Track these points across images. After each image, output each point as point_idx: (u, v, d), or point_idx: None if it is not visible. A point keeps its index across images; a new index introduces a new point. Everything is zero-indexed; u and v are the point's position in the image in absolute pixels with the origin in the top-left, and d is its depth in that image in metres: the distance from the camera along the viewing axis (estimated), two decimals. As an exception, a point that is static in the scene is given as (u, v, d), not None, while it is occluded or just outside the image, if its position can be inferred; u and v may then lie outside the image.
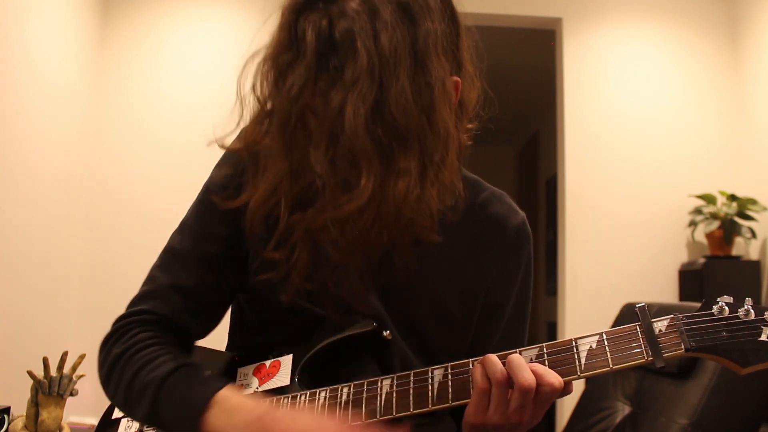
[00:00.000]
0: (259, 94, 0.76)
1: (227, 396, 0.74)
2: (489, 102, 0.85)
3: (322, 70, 0.70)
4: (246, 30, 3.29)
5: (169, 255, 0.91)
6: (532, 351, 0.76)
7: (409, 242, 0.78)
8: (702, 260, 2.93)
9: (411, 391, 0.78)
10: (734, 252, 3.00)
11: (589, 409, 2.18)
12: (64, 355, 1.80)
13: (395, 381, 0.79)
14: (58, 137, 2.82)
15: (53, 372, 1.77)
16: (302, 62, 0.70)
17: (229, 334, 1.02)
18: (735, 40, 3.33)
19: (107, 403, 1.03)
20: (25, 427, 1.74)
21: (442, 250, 0.84)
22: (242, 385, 0.90)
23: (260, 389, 0.88)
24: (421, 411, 0.77)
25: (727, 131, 3.28)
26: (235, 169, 0.86)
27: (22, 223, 2.52)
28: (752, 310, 0.73)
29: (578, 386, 2.52)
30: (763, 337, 0.72)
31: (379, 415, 0.78)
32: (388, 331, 0.84)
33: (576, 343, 0.76)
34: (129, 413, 0.86)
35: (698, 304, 0.77)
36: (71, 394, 1.79)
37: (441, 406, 0.77)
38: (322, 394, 0.82)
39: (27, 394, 1.76)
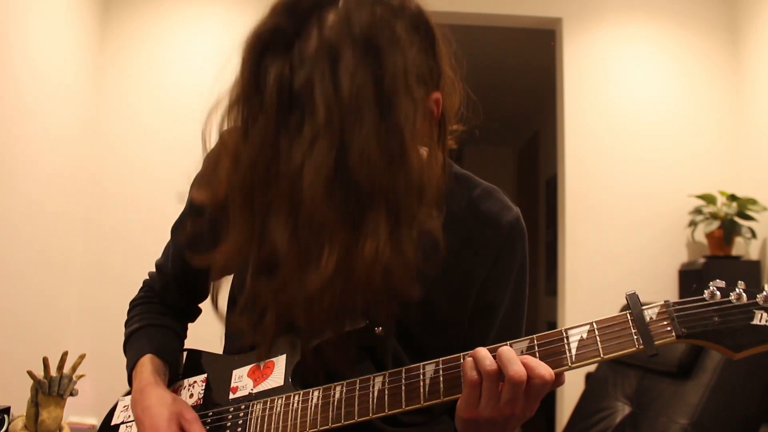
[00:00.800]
0: (225, 141, 0.73)
1: (143, 362, 0.95)
2: (474, 104, 0.83)
3: (284, 125, 0.65)
4: (245, 30, 3.28)
5: (171, 235, 1.05)
6: (523, 343, 0.75)
7: (387, 299, 0.75)
8: (702, 260, 2.93)
9: (403, 388, 0.78)
10: (734, 252, 3.00)
11: (589, 409, 2.18)
12: (64, 355, 1.79)
13: (387, 378, 0.79)
14: (58, 137, 2.82)
15: (53, 372, 1.77)
16: (264, 117, 0.66)
17: (226, 336, 1.02)
18: (735, 40, 3.32)
19: (107, 403, 1.03)
20: (25, 427, 1.74)
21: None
22: (237, 386, 0.91)
23: (255, 390, 0.88)
24: (414, 407, 0.77)
25: (727, 131, 3.28)
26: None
27: (22, 223, 2.52)
28: (744, 294, 0.71)
29: (578, 386, 2.53)
30: (755, 321, 0.70)
31: (371, 412, 0.78)
32: (380, 328, 0.84)
33: (566, 333, 0.75)
34: None
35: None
36: (71, 394, 1.78)
37: (433, 401, 0.76)
38: (315, 393, 0.82)
39: (27, 394, 1.76)
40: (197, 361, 0.99)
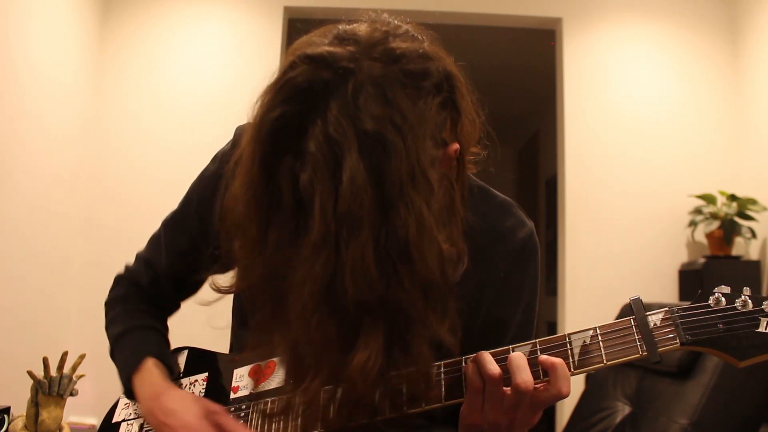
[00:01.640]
0: (238, 141, 0.70)
1: (148, 367, 0.91)
2: (487, 107, 0.79)
3: (294, 232, 0.62)
4: (245, 29, 3.29)
5: (161, 230, 1.02)
6: (526, 348, 0.75)
7: (403, 403, 0.73)
8: (702, 260, 2.93)
9: (404, 391, 0.77)
10: (734, 252, 3.00)
11: (589, 409, 2.18)
12: (64, 355, 1.80)
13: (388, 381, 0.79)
14: (58, 137, 2.82)
15: (53, 372, 1.77)
16: (280, 222, 0.63)
17: (231, 329, 1.02)
18: (735, 40, 3.32)
19: (107, 403, 1.03)
20: (25, 427, 1.74)
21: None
22: (238, 386, 0.90)
23: (256, 390, 0.88)
24: (415, 411, 0.76)
25: (727, 131, 3.28)
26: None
27: (22, 223, 2.52)
28: (750, 301, 0.70)
29: (578, 386, 2.52)
30: (761, 329, 0.69)
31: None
32: None
33: (569, 338, 0.74)
34: None
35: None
36: (71, 394, 1.79)
37: (434, 405, 0.76)
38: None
39: (27, 394, 1.76)
40: (198, 360, 0.99)
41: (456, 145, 0.71)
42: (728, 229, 2.93)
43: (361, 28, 0.66)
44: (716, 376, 1.82)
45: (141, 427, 0.95)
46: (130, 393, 0.93)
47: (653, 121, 3.27)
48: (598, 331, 0.73)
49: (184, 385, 0.97)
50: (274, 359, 0.89)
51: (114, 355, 0.98)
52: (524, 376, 0.70)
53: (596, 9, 3.37)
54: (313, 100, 0.62)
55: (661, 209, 3.20)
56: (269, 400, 0.85)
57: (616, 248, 3.18)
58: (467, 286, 0.86)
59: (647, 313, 0.73)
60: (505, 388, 0.71)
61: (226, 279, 0.75)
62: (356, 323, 0.62)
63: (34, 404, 1.73)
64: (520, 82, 4.83)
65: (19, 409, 1.81)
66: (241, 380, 0.91)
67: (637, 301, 0.74)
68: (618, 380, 2.16)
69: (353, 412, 0.69)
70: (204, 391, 0.94)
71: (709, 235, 3.01)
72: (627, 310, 2.22)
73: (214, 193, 0.86)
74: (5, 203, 2.39)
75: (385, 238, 0.61)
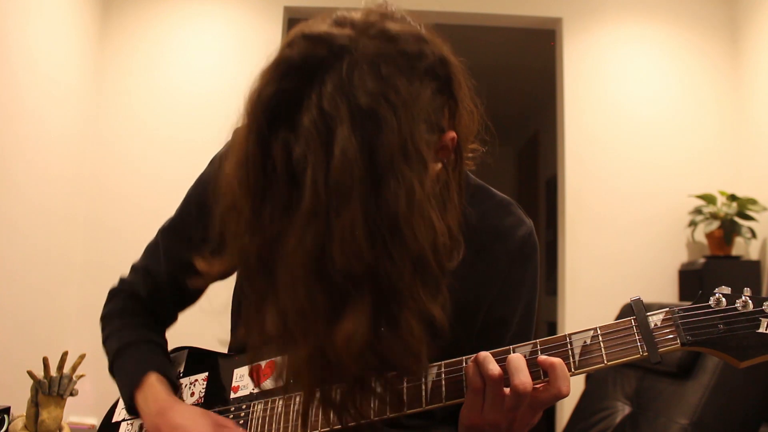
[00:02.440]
0: (235, 140, 0.71)
1: (151, 382, 0.89)
2: (488, 126, 0.80)
3: (287, 204, 0.63)
4: (245, 29, 3.29)
5: (158, 238, 1.01)
6: (526, 348, 0.75)
7: (388, 378, 0.73)
8: (702, 260, 2.93)
9: (404, 391, 0.77)
10: (734, 252, 3.00)
11: (589, 409, 2.18)
12: (64, 355, 1.80)
13: (388, 380, 0.78)
14: (58, 137, 2.82)
15: (53, 372, 1.77)
16: (274, 193, 0.64)
17: (231, 329, 1.02)
18: (735, 40, 3.32)
19: (107, 403, 1.03)
20: (25, 427, 1.74)
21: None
22: (238, 386, 0.90)
23: (256, 390, 0.88)
24: (415, 411, 0.76)
25: (727, 131, 3.28)
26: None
27: (22, 223, 2.52)
28: (750, 302, 0.70)
29: (578, 386, 2.52)
30: (761, 329, 0.69)
31: (373, 415, 0.77)
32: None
33: (570, 339, 0.74)
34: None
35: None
36: (71, 394, 1.79)
37: (435, 405, 0.76)
38: (317, 394, 0.82)
39: (27, 394, 1.76)
40: (199, 360, 0.99)
41: (453, 134, 0.71)
42: (728, 229, 2.93)
43: (359, 13, 0.68)
44: (716, 376, 1.82)
45: (141, 426, 0.95)
46: (133, 409, 0.91)
47: (653, 121, 3.27)
48: (599, 332, 0.73)
49: (184, 385, 0.97)
50: (275, 359, 0.89)
51: (113, 371, 0.96)
52: (522, 377, 0.69)
53: (596, 9, 3.37)
54: (309, 76, 0.63)
55: (661, 209, 3.20)
56: (269, 400, 0.86)
57: (616, 248, 3.18)
58: (467, 285, 0.86)
59: (648, 313, 0.73)
60: (505, 388, 0.71)
61: (219, 263, 0.74)
62: (344, 294, 0.63)
63: (34, 404, 1.73)
64: (520, 82, 4.83)
65: (19, 409, 1.81)
66: (242, 380, 0.91)
67: (638, 301, 0.74)
68: (618, 380, 2.16)
69: (339, 380, 0.69)
70: (204, 390, 0.94)
71: (709, 235, 3.01)
72: (627, 311, 2.22)
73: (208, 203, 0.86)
74: (5, 203, 2.39)
75: (375, 210, 0.61)
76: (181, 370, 0.99)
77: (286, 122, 0.63)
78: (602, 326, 0.74)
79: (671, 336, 0.71)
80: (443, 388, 0.76)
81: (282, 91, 0.64)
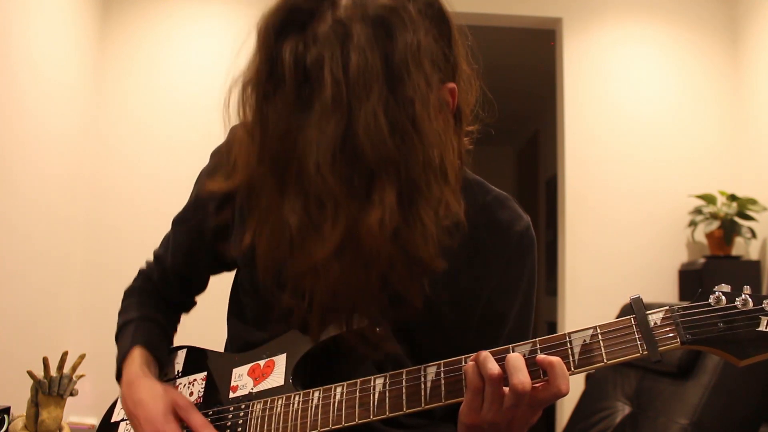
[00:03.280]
0: (244, 121, 0.73)
1: (134, 355, 0.95)
2: (489, 104, 0.82)
3: (298, 102, 0.67)
4: (246, 29, 3.28)
5: (171, 227, 1.05)
6: (525, 347, 0.74)
7: (409, 274, 0.73)
8: (702, 260, 2.93)
9: (404, 390, 0.77)
10: (734, 252, 3.00)
11: (589, 409, 2.18)
12: (64, 355, 1.80)
13: (388, 380, 0.78)
14: (58, 137, 2.82)
15: (53, 372, 1.77)
16: (280, 93, 0.68)
17: (228, 328, 1.02)
18: (735, 40, 3.33)
19: (107, 403, 1.03)
20: (25, 427, 1.74)
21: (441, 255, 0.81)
22: (237, 386, 0.90)
23: (255, 390, 0.88)
24: (415, 410, 0.76)
25: (727, 131, 3.28)
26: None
27: (22, 223, 2.52)
28: (750, 300, 0.70)
29: (578, 386, 2.52)
30: (761, 327, 0.69)
31: (372, 414, 0.77)
32: (380, 328, 0.83)
33: (569, 337, 0.74)
34: None
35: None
36: (71, 394, 1.79)
37: (434, 404, 0.76)
38: (316, 394, 0.82)
39: (27, 394, 1.76)
40: (197, 359, 0.99)
41: (453, 85, 0.75)
42: (728, 229, 2.93)
43: None
44: (716, 376, 1.83)
45: (140, 426, 0.95)
46: (120, 379, 0.96)
47: (653, 121, 3.27)
48: (599, 330, 0.73)
49: (182, 385, 0.97)
50: (273, 358, 0.89)
51: (117, 340, 1.02)
52: (521, 377, 0.69)
53: (596, 9, 3.37)
54: None
55: (661, 209, 3.20)
56: (268, 400, 0.86)
57: (616, 248, 3.19)
58: (465, 280, 0.86)
59: (647, 312, 0.73)
60: (504, 387, 0.71)
61: (229, 181, 0.76)
62: (370, 180, 0.66)
63: (34, 404, 1.73)
64: (520, 82, 4.83)
65: (19, 409, 1.81)
66: (240, 379, 0.91)
67: (638, 300, 0.74)
68: (618, 380, 2.16)
69: (367, 273, 0.69)
70: (203, 390, 0.94)
71: (709, 235, 3.01)
72: (627, 310, 2.21)
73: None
74: (5, 203, 2.39)
75: (394, 106, 0.65)
76: (180, 370, 0.99)
77: (297, 33, 0.67)
78: (602, 325, 0.74)
79: (671, 334, 0.71)
80: (442, 388, 0.76)
81: (293, 8, 0.69)
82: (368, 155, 0.65)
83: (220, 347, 1.01)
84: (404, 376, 0.78)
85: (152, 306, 1.04)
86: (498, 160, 6.28)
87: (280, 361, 0.88)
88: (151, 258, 1.08)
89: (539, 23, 3.49)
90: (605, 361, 0.72)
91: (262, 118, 0.69)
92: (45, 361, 1.78)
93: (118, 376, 0.97)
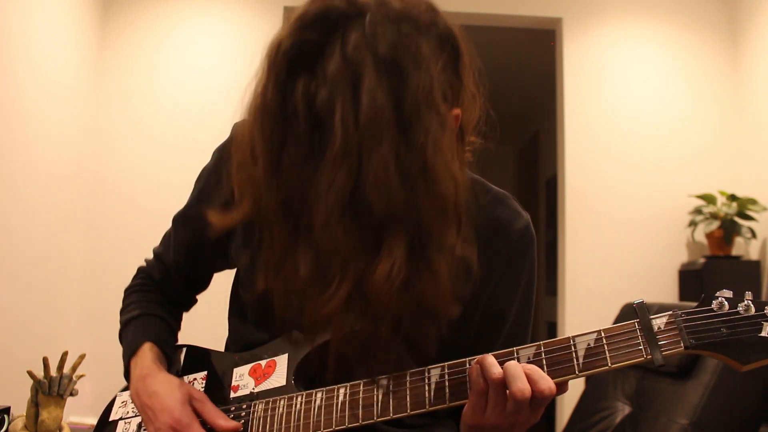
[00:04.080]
0: (237, 134, 0.72)
1: (144, 350, 0.95)
2: (490, 116, 0.82)
3: (310, 148, 0.65)
4: (246, 29, 3.29)
5: (171, 226, 1.05)
6: (530, 350, 0.75)
7: (422, 324, 0.73)
8: (702, 260, 2.93)
9: (408, 392, 0.77)
10: (734, 252, 3.00)
11: (589, 409, 2.18)
12: (64, 355, 1.79)
13: (391, 381, 0.78)
14: (58, 137, 2.82)
15: (53, 372, 1.77)
16: (296, 138, 0.65)
17: (230, 325, 1.02)
18: (735, 40, 3.32)
19: (107, 403, 1.03)
20: (25, 427, 1.74)
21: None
22: (238, 385, 0.90)
23: (256, 390, 0.88)
24: (419, 412, 0.76)
25: (727, 131, 3.28)
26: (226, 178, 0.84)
27: (22, 223, 2.52)
28: (752, 305, 0.71)
29: (578, 386, 2.52)
30: (763, 333, 0.69)
31: (376, 416, 0.77)
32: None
33: (574, 341, 0.74)
34: None
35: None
36: (71, 394, 1.78)
37: (438, 406, 0.76)
38: (319, 395, 0.81)
39: (27, 394, 1.76)
40: (198, 358, 0.99)
41: (458, 111, 0.74)
42: (728, 229, 2.93)
43: None
44: (716, 376, 1.82)
45: (139, 426, 0.94)
46: (127, 375, 0.96)
47: (653, 121, 3.27)
48: (603, 335, 0.74)
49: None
50: (275, 359, 0.89)
51: (121, 339, 1.01)
52: (520, 384, 0.70)
53: (596, 9, 3.37)
54: (331, 28, 0.65)
55: (661, 209, 3.20)
56: (270, 400, 0.85)
57: (616, 248, 3.18)
58: (466, 278, 0.86)
59: (651, 316, 0.73)
60: (507, 391, 0.71)
61: (231, 215, 0.75)
62: (379, 233, 0.65)
63: (34, 404, 1.73)
64: (520, 82, 4.83)
65: (19, 409, 1.81)
66: (241, 379, 0.90)
67: (642, 304, 0.74)
68: (618, 380, 2.16)
69: (378, 327, 0.69)
70: (203, 389, 0.94)
71: (709, 235, 3.01)
72: (627, 310, 2.21)
73: (213, 185, 0.87)
74: (5, 203, 2.39)
75: (405, 152, 0.64)
76: (179, 369, 0.99)
77: (307, 70, 0.65)
78: (606, 329, 0.74)
79: (675, 339, 0.72)
80: (446, 390, 0.76)
81: (303, 42, 0.66)
82: (377, 208, 0.64)
83: (220, 347, 1.01)
84: (408, 378, 0.78)
85: (156, 303, 1.04)
86: (498, 160, 6.28)
87: (282, 361, 0.88)
88: (150, 256, 1.08)
89: (539, 23, 3.49)
90: (609, 365, 0.72)
91: (275, 159, 0.67)
92: (45, 361, 1.77)
93: (126, 372, 0.96)
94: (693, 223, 3.07)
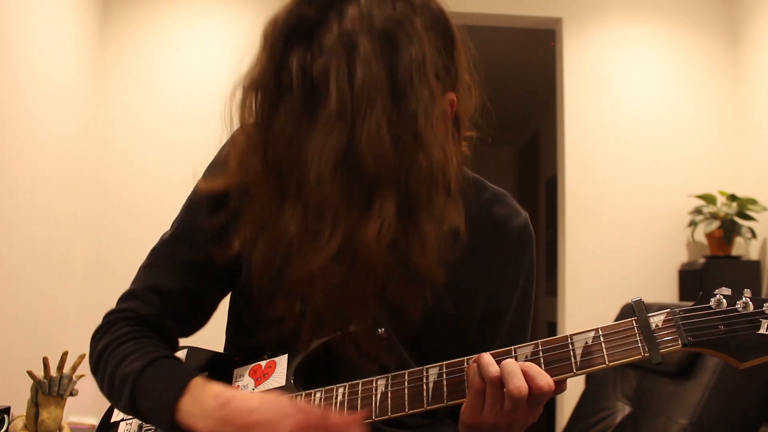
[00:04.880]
0: (244, 122, 0.72)
1: (199, 383, 0.78)
2: (487, 113, 0.82)
3: (304, 112, 0.67)
4: (246, 29, 3.29)
5: (156, 256, 0.93)
6: (527, 348, 0.75)
7: (407, 286, 0.72)
8: (702, 260, 2.93)
9: (406, 391, 0.77)
10: (734, 252, 3.00)
11: (589, 409, 2.18)
12: (64, 355, 1.80)
13: (390, 381, 0.78)
14: (58, 137, 2.82)
15: (53, 372, 1.77)
16: (287, 103, 0.68)
17: (227, 334, 1.02)
18: (735, 40, 3.32)
19: (107, 403, 1.02)
20: (25, 427, 1.74)
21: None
22: (238, 385, 0.90)
23: (256, 390, 0.88)
24: (417, 411, 0.76)
25: (727, 131, 3.28)
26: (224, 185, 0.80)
27: (22, 223, 2.52)
28: (751, 303, 0.71)
29: (578, 386, 2.53)
30: (761, 330, 0.69)
31: (374, 415, 0.77)
32: (382, 329, 0.83)
33: (571, 339, 0.74)
34: (114, 404, 0.90)
35: (699, 305, 0.76)
36: (71, 394, 1.79)
37: (436, 405, 0.76)
38: (318, 394, 0.81)
39: (27, 394, 1.76)
40: (197, 359, 0.99)
41: (452, 96, 0.75)
42: (728, 229, 2.93)
43: None
44: (716, 376, 1.82)
45: (140, 426, 0.94)
46: (173, 424, 0.77)
47: (653, 121, 3.27)
48: (600, 333, 0.74)
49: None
50: (275, 359, 0.89)
51: (136, 395, 0.82)
52: (516, 382, 0.70)
53: (596, 9, 3.37)
54: (328, 5, 0.68)
55: (661, 209, 3.20)
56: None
57: (616, 248, 3.18)
58: (465, 277, 0.86)
59: (649, 314, 0.73)
60: (505, 389, 0.71)
61: (219, 179, 0.76)
62: (370, 191, 0.66)
63: (34, 404, 1.73)
64: (520, 82, 4.83)
65: (19, 409, 1.81)
66: (241, 380, 0.90)
67: (639, 302, 0.74)
68: (618, 380, 2.16)
69: (364, 284, 0.69)
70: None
71: (709, 235, 3.01)
72: (627, 310, 2.21)
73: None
74: (5, 203, 2.39)
75: (397, 119, 0.66)
76: None
77: (304, 43, 0.68)
78: (603, 327, 0.74)
79: (672, 337, 0.72)
80: (445, 389, 0.76)
81: (300, 17, 0.69)
82: (370, 167, 0.65)
83: (219, 347, 1.01)
84: (406, 377, 0.78)
85: (160, 346, 0.88)
86: (498, 160, 6.28)
87: (282, 361, 0.88)
88: (113, 308, 0.92)
89: (539, 23, 3.49)
90: (607, 362, 0.72)
91: (266, 123, 0.69)
92: (45, 361, 1.78)
93: (172, 421, 0.77)
94: (693, 223, 3.07)
